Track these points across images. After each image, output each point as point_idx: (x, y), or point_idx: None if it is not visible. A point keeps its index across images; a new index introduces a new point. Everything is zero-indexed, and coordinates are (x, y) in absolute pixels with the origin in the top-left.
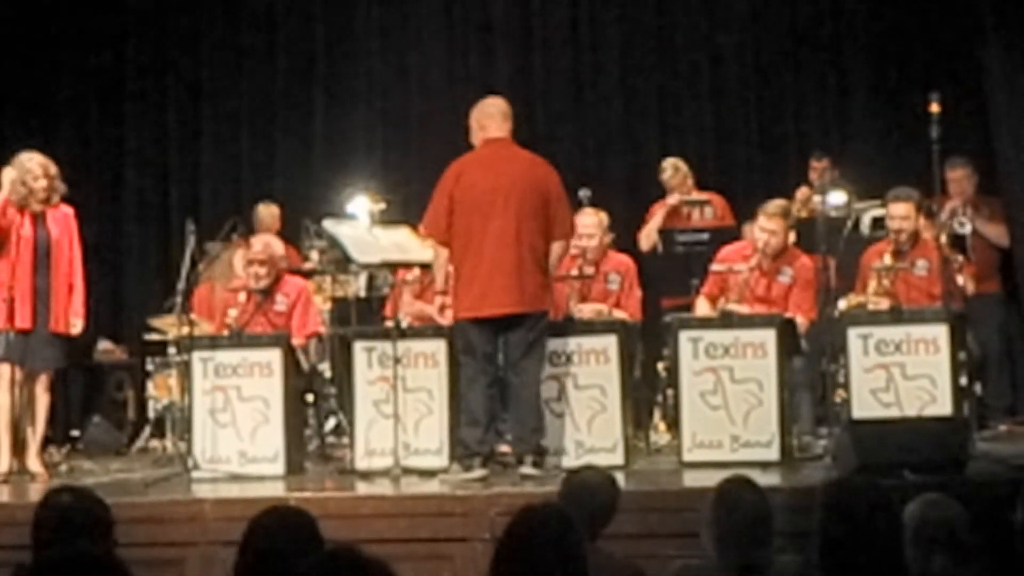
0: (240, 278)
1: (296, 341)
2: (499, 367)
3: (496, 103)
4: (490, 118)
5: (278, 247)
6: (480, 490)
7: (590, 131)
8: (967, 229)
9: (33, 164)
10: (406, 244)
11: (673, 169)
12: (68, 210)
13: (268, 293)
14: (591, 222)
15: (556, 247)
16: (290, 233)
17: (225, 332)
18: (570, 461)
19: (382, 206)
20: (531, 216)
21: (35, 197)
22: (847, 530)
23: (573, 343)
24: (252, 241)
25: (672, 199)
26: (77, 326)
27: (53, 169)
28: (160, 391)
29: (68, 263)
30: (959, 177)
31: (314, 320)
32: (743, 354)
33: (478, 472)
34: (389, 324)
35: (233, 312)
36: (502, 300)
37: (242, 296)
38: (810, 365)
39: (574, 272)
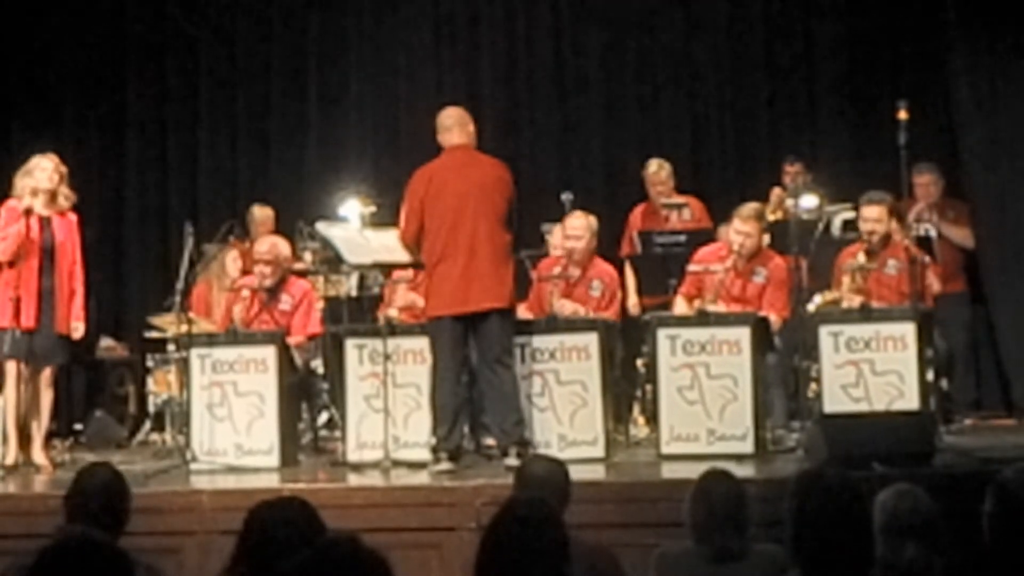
0: (233, 278)
1: (295, 340)
2: (473, 364)
3: (451, 113)
4: (447, 130)
5: (284, 248)
6: (466, 481)
7: (571, 138)
8: (934, 232)
9: (45, 159)
10: (395, 246)
11: (657, 166)
12: (72, 217)
13: (274, 292)
14: (580, 224)
15: None
16: (284, 235)
17: (231, 324)
18: (553, 453)
19: (372, 209)
20: (497, 216)
21: (40, 189)
22: (817, 520)
23: (556, 340)
24: (259, 242)
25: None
26: (79, 330)
27: (64, 169)
28: (160, 386)
29: (71, 266)
30: (926, 182)
31: (315, 321)
32: (719, 351)
33: (444, 465)
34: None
35: (238, 308)
36: (476, 297)
37: (245, 293)
38: (783, 361)
39: (557, 271)
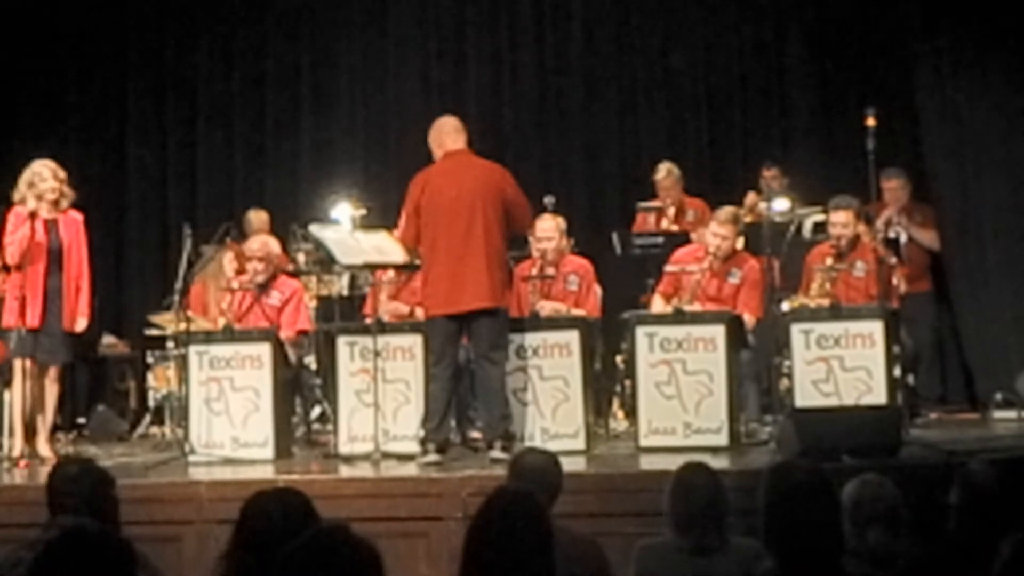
0: (229, 277)
1: (284, 335)
2: (461, 361)
3: (448, 121)
4: (446, 135)
5: (275, 247)
6: (453, 473)
7: (554, 143)
8: (903, 236)
9: (42, 167)
10: (385, 247)
11: (666, 172)
12: (78, 216)
13: (264, 288)
14: (549, 226)
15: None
16: (278, 237)
17: (221, 322)
18: (536, 446)
19: (363, 212)
20: (491, 218)
21: (45, 199)
22: (789, 509)
23: (539, 338)
24: (250, 240)
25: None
26: (81, 324)
27: (62, 174)
28: (159, 382)
29: (77, 266)
30: (894, 186)
31: (304, 318)
32: (695, 348)
33: (432, 457)
34: (369, 321)
35: (226, 302)
36: (469, 296)
37: (235, 284)
38: (756, 358)
39: (535, 272)
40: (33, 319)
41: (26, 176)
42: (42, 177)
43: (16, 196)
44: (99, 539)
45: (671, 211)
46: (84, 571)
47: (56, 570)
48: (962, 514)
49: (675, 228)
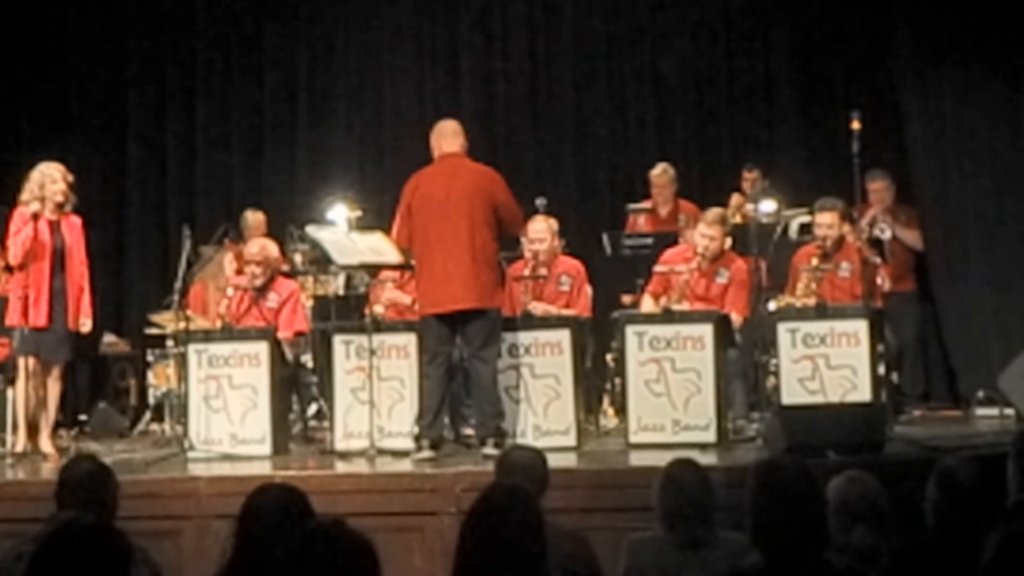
0: (229, 278)
1: (282, 335)
2: (454, 360)
3: (447, 124)
4: (443, 137)
5: (273, 250)
6: (447, 469)
7: (545, 147)
8: (887, 235)
9: (52, 170)
10: (380, 247)
11: (662, 170)
12: (77, 220)
13: (263, 291)
14: (542, 228)
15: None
16: (275, 237)
17: (218, 323)
18: (528, 443)
19: (359, 213)
20: (481, 220)
21: (52, 201)
22: (776, 505)
23: (530, 336)
24: (249, 244)
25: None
26: (87, 325)
27: (70, 177)
28: (159, 380)
29: (79, 268)
30: (879, 188)
31: (301, 319)
32: (683, 346)
33: (426, 453)
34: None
35: (224, 304)
36: (457, 297)
37: (230, 291)
38: (744, 356)
39: (527, 273)
40: (39, 318)
41: (36, 177)
42: (53, 179)
43: (24, 196)
44: (96, 531)
45: (664, 211)
46: (81, 563)
47: (54, 562)
48: (940, 510)
49: (669, 229)
